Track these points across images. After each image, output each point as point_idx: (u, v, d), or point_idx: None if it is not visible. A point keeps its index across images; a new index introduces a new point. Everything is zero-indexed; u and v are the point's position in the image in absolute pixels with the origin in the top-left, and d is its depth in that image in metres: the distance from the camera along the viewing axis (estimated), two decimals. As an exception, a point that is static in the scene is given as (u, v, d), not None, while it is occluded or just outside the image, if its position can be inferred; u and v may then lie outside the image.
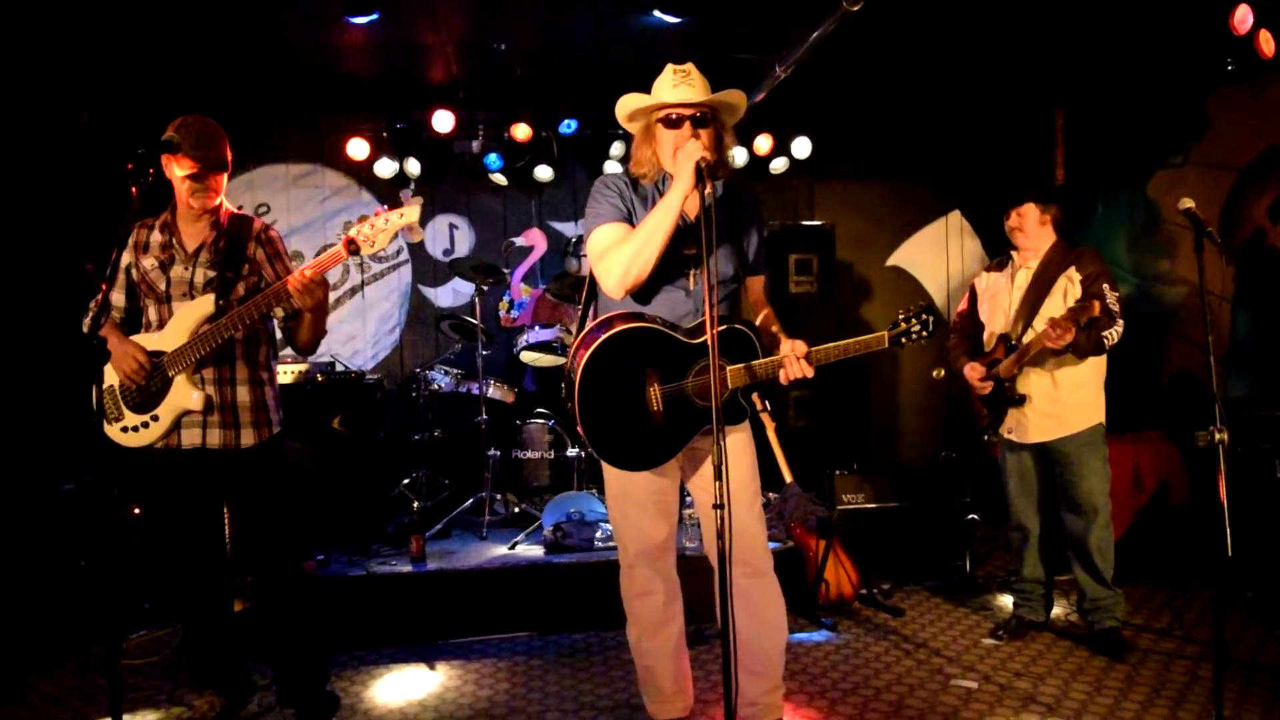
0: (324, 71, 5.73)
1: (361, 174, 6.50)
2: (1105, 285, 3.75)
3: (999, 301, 4.07)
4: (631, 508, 2.93)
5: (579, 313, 3.12)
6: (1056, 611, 4.40)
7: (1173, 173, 5.63)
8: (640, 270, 2.70)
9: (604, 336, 2.71)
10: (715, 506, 2.37)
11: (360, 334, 6.67)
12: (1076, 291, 3.82)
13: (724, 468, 2.34)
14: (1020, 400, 3.93)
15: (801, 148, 6.61)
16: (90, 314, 3.20)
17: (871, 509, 5.05)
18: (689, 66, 2.81)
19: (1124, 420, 5.44)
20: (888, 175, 7.07)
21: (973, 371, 4.05)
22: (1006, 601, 4.65)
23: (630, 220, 2.81)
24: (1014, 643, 4.09)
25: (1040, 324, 3.79)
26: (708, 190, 2.57)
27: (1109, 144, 6.23)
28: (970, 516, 5.01)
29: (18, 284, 5.05)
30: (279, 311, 3.21)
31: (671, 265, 2.78)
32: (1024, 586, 4.19)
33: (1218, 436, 2.74)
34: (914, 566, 5.05)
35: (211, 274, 3.13)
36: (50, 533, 4.60)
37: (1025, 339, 3.87)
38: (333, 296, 6.64)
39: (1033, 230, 3.96)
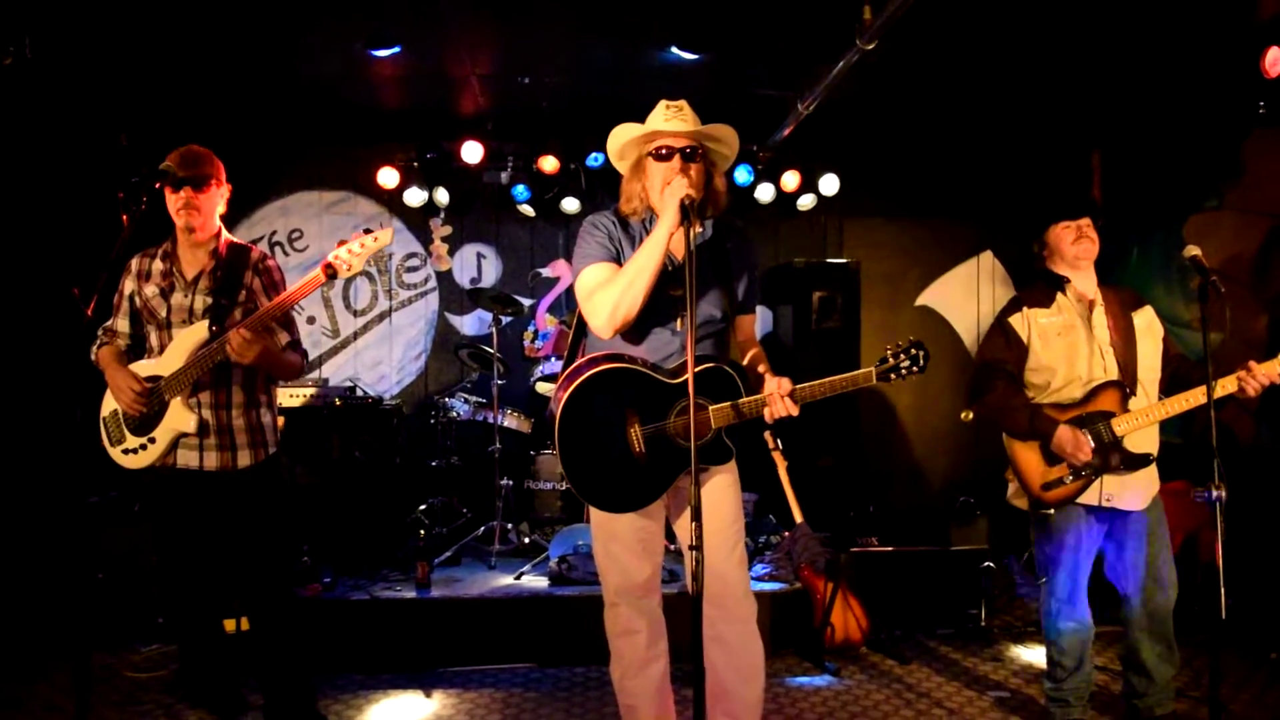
0: (356, 102, 5.86)
1: (392, 202, 6.60)
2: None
3: (1072, 345, 3.39)
4: (615, 546, 2.90)
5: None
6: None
7: (1208, 216, 5.50)
8: (627, 311, 2.69)
9: (583, 377, 2.71)
10: (691, 548, 2.35)
11: (386, 360, 6.75)
12: (1160, 331, 3.45)
13: (699, 509, 2.32)
14: (1148, 460, 3.29)
15: (829, 184, 6.57)
16: (97, 342, 3.34)
17: (884, 552, 4.97)
18: (682, 102, 2.83)
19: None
20: (918, 214, 6.99)
21: (1079, 442, 3.28)
22: (1019, 653, 4.55)
23: (618, 260, 2.81)
24: (1017, 697, 3.97)
25: (1145, 370, 3.36)
26: (695, 230, 2.57)
27: (1145, 186, 6.12)
28: (986, 564, 4.89)
29: (63, 298, 5.18)
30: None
31: (660, 306, 2.77)
32: (1079, 687, 3.49)
33: (1215, 493, 2.64)
34: (927, 613, 4.93)
35: (209, 301, 3.23)
36: (72, 543, 4.72)
37: (1141, 390, 3.36)
38: (361, 321, 6.75)
39: (1095, 253, 3.41)
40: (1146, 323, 3.43)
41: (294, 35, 4.74)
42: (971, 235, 7.06)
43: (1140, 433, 3.29)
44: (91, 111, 5.43)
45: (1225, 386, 3.13)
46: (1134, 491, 3.34)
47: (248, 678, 3.74)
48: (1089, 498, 3.33)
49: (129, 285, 3.34)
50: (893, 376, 2.74)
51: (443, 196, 6.46)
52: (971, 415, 6.81)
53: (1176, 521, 4.84)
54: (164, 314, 3.25)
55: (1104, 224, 3.56)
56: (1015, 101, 5.86)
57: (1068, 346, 3.40)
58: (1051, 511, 3.39)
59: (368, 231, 3.09)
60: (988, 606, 4.87)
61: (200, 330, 3.17)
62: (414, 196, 6.38)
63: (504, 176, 6.48)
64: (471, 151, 6.19)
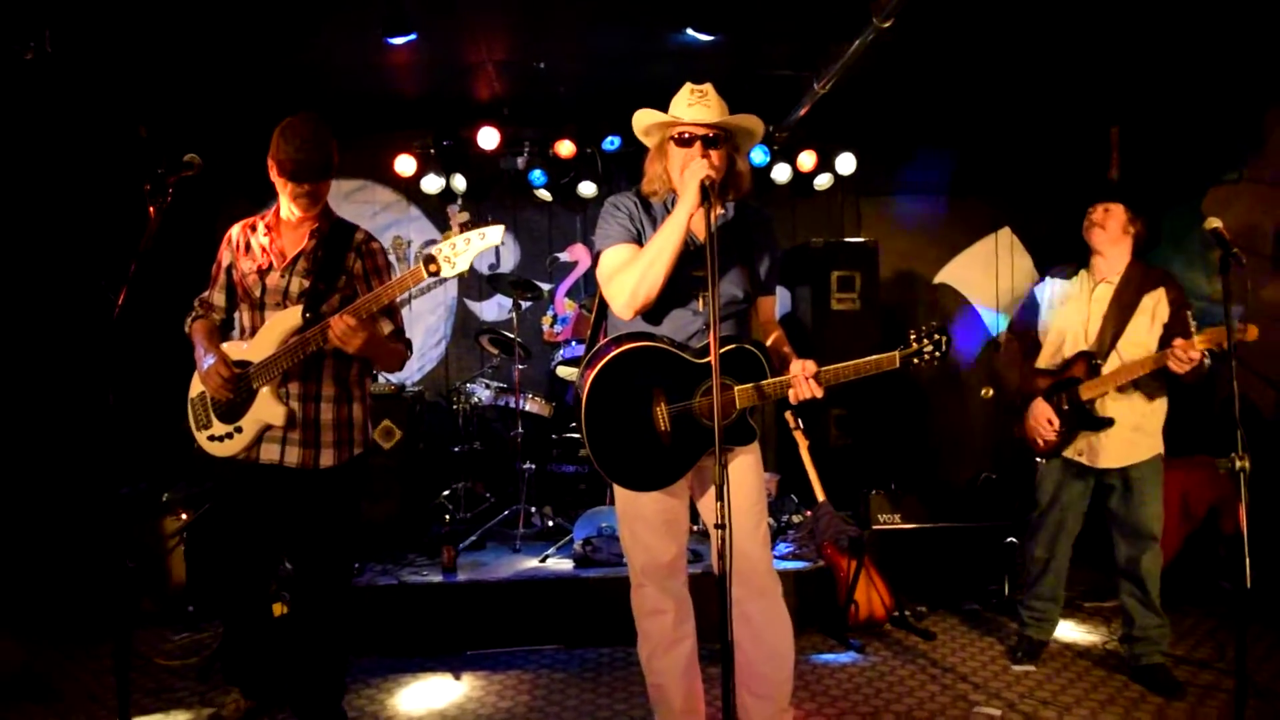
0: (372, 90, 5.87)
1: (410, 189, 6.63)
2: (1189, 312, 3.62)
3: (1071, 313, 3.80)
4: (640, 526, 2.93)
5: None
6: (1094, 639, 4.32)
7: (1228, 189, 5.47)
8: (648, 292, 2.71)
9: (610, 355, 2.73)
10: (716, 526, 2.37)
11: (407, 346, 6.78)
12: (1164, 315, 3.65)
13: (725, 488, 2.34)
14: (1107, 423, 3.69)
15: (846, 164, 6.55)
16: (192, 314, 3.22)
17: (907, 529, 5.00)
18: (707, 87, 2.81)
19: (1175, 444, 5.27)
20: (936, 191, 6.97)
21: (1043, 413, 3.77)
22: (1042, 627, 4.57)
23: (640, 241, 2.82)
24: (1043, 670, 3.99)
25: (1128, 345, 3.65)
26: (716, 211, 2.58)
27: (1164, 160, 6.07)
28: (1010, 539, 4.90)
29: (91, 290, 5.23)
30: None
31: (680, 287, 2.79)
32: (1041, 606, 4.04)
33: (1239, 464, 2.65)
34: (951, 589, 4.96)
35: (306, 284, 3.04)
36: (105, 534, 4.80)
37: (1111, 360, 3.68)
38: (381, 309, 6.77)
39: (1114, 235, 3.70)
40: (1153, 304, 3.67)
41: (311, 24, 4.75)
42: (990, 212, 7.03)
43: (1115, 401, 3.68)
44: (111, 104, 5.46)
45: (1157, 363, 3.50)
46: (1105, 451, 3.73)
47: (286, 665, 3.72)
48: (1069, 452, 3.80)
49: (226, 256, 3.18)
50: (915, 361, 2.75)
51: (460, 183, 6.48)
52: (991, 392, 6.84)
53: (1199, 495, 4.88)
54: (259, 294, 3.07)
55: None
56: (1033, 77, 5.81)
57: (1067, 315, 3.81)
58: (1042, 461, 3.92)
59: (474, 226, 2.87)
60: (1011, 581, 4.89)
61: (293, 316, 2.99)
62: (431, 183, 6.40)
63: (520, 162, 6.48)
64: (488, 137, 6.20)
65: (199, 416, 3.16)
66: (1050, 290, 3.90)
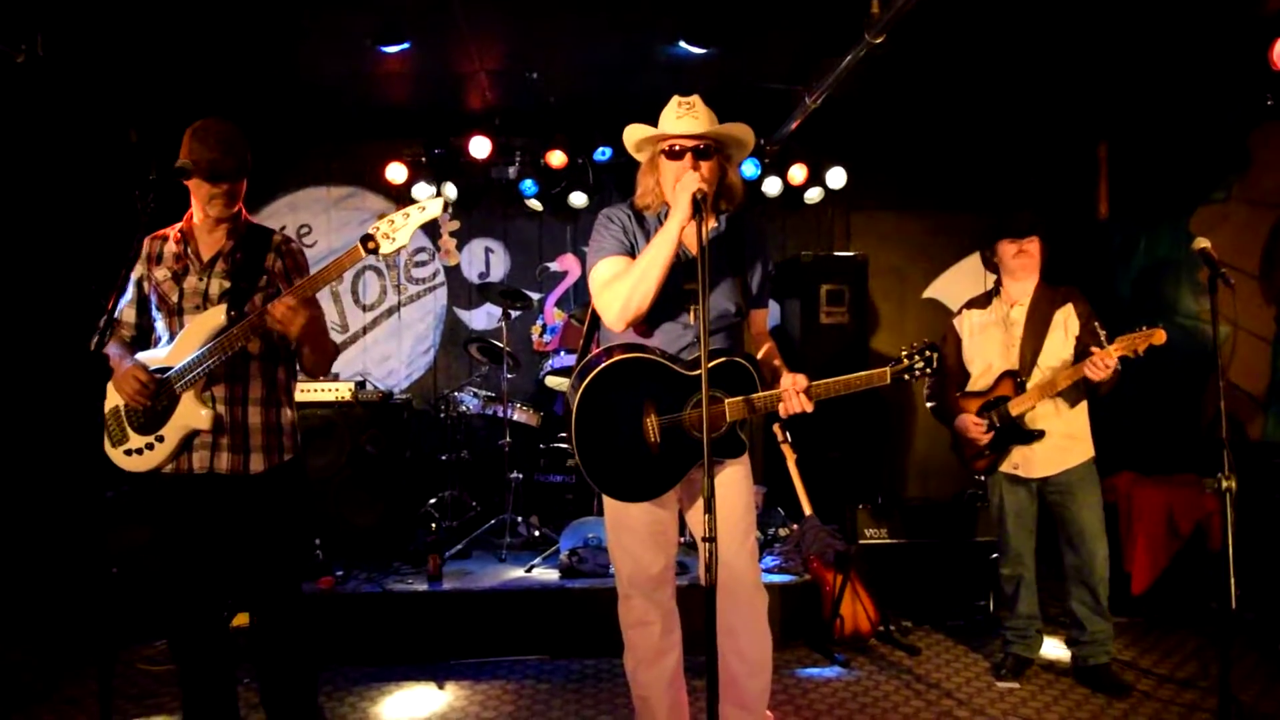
0: (365, 98, 5.88)
1: (401, 197, 6.60)
2: (1097, 323, 3.83)
3: (991, 339, 4.08)
4: (628, 537, 2.92)
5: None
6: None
7: (1215, 208, 5.50)
8: (639, 304, 2.71)
9: (602, 366, 2.74)
10: (704, 539, 2.36)
11: (395, 354, 6.78)
12: (1075, 328, 3.92)
13: (713, 501, 2.33)
14: (1039, 435, 3.91)
15: (836, 178, 6.58)
16: (98, 333, 3.05)
17: (893, 544, 5.00)
18: (694, 99, 2.83)
19: (1162, 462, 5.32)
20: (926, 207, 7.00)
21: (976, 426, 4.01)
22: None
23: (632, 253, 2.83)
24: (1027, 687, 4.00)
25: (1047, 360, 3.92)
26: (709, 224, 2.59)
27: (1152, 178, 6.12)
28: (994, 555, 4.90)
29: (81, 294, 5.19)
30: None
31: (672, 300, 2.79)
32: (1020, 624, 4.15)
33: (1225, 484, 2.67)
34: (936, 605, 4.96)
35: (226, 284, 2.93)
36: (88, 537, 4.75)
37: (1034, 376, 3.92)
38: (370, 316, 6.78)
39: (1036, 265, 4.01)
40: (1064, 319, 3.94)
41: (304, 32, 4.75)
42: (979, 227, 7.01)
43: (1042, 413, 3.91)
44: (102, 108, 5.45)
45: (1077, 373, 3.70)
46: (1038, 461, 3.94)
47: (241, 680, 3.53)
48: (1005, 466, 4.02)
49: (137, 269, 3.02)
50: (906, 377, 2.78)
51: (451, 191, 6.47)
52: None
53: (1185, 513, 4.89)
54: (175, 299, 2.93)
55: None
56: (1022, 94, 5.86)
57: (987, 341, 4.09)
58: (982, 478, 4.19)
59: (413, 201, 2.80)
60: (996, 598, 4.89)
61: (217, 316, 2.85)
62: (422, 192, 6.39)
63: (512, 171, 6.49)
64: (479, 146, 6.20)
65: (113, 432, 2.96)
66: (969, 322, 4.19)
